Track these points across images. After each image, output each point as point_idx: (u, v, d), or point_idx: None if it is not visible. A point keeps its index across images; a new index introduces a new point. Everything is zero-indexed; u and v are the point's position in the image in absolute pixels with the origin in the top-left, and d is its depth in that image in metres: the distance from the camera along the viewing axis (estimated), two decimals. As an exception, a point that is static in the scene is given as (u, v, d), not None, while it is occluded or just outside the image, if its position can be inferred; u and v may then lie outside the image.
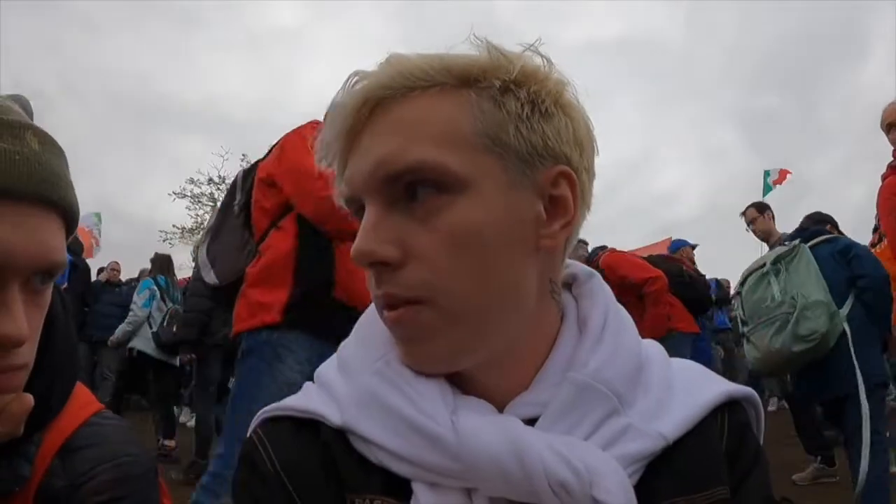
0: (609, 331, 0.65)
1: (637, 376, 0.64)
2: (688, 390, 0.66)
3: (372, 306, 0.69)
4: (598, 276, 0.72)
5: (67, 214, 0.76)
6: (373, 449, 0.60)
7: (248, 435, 0.68)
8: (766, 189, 13.27)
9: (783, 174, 13.37)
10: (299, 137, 2.32)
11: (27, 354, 0.73)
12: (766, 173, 13.46)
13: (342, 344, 0.72)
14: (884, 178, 3.63)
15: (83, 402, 0.89)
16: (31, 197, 0.70)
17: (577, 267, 0.72)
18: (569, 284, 0.71)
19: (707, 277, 8.46)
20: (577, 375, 0.60)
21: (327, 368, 0.70)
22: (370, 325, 0.69)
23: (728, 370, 8.01)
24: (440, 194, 0.57)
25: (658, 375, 0.66)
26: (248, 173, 2.54)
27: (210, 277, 2.48)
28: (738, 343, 9.54)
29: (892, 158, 3.60)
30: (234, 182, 2.63)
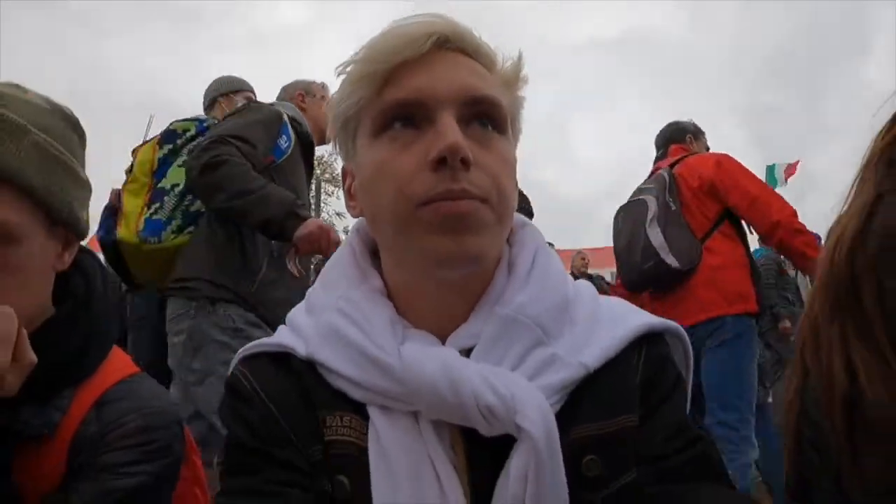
0: (536, 272, 0.73)
1: (563, 311, 0.71)
2: (613, 322, 0.72)
3: (338, 254, 0.81)
4: (531, 224, 0.81)
5: (7, 179, 0.84)
6: (333, 376, 0.69)
7: (230, 372, 0.77)
8: (771, 183, 13.10)
9: (792, 169, 13.09)
10: (731, 160, 2.88)
11: None
12: (771, 168, 13.23)
13: (309, 290, 0.81)
14: None
15: (121, 365, 0.98)
16: None
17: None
18: None
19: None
20: (502, 310, 0.68)
21: (297, 311, 0.79)
22: (332, 270, 0.79)
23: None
24: (495, 130, 0.69)
25: (585, 311, 0.73)
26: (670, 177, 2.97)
27: (670, 259, 2.79)
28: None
29: None
30: (666, 183, 2.94)
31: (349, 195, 0.78)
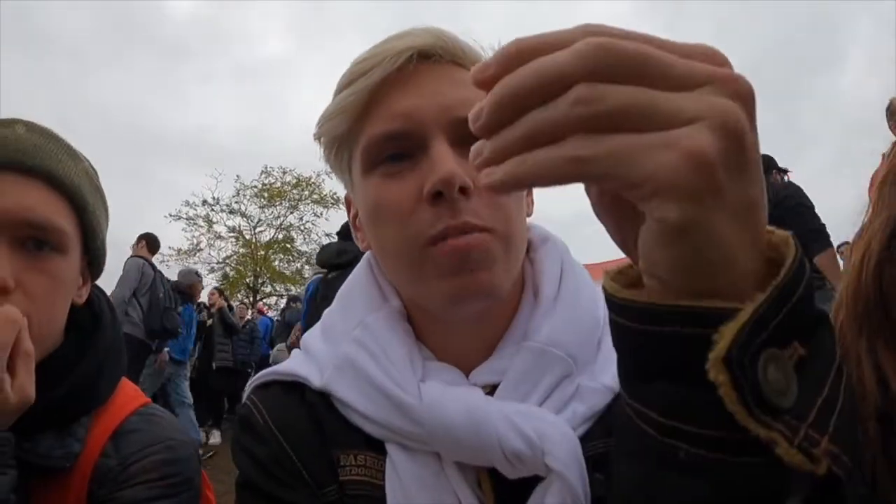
0: (563, 295, 0.69)
1: (593, 335, 0.67)
2: None
3: (357, 272, 0.77)
4: (553, 237, 0.76)
5: (55, 182, 0.84)
6: (349, 411, 0.66)
7: (242, 401, 0.74)
8: None
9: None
10: None
11: (18, 307, 0.76)
12: None
13: (326, 311, 0.78)
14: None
15: (132, 395, 0.96)
16: (8, 165, 0.80)
17: (532, 231, 0.75)
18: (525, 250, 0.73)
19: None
20: (532, 344, 0.65)
21: (312, 335, 0.76)
22: (350, 293, 0.76)
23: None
24: None
25: None
26: None
27: None
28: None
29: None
30: None
31: (355, 227, 0.75)
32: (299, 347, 0.78)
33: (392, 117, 0.62)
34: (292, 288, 21.50)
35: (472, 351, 0.67)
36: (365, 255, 0.79)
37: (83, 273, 0.93)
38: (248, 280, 21.93)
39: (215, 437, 7.84)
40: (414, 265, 0.62)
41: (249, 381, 0.76)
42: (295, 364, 0.73)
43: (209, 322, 8.46)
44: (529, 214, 0.72)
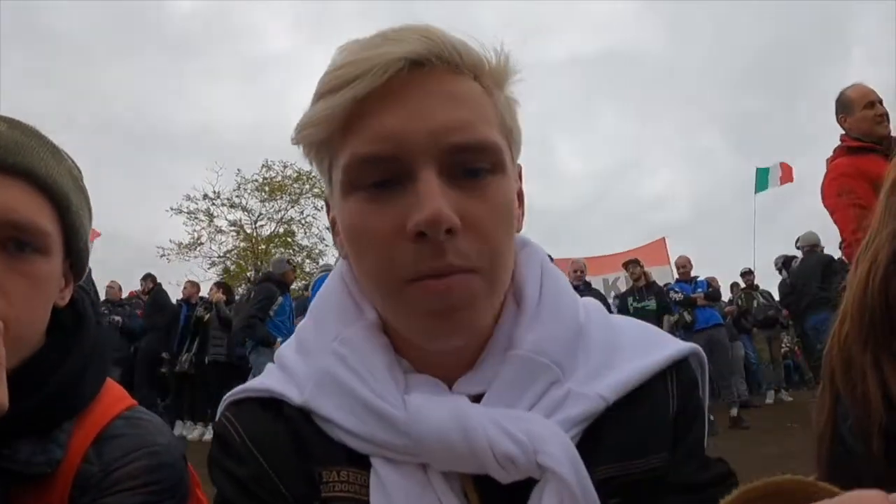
0: (545, 302, 0.68)
1: (576, 342, 0.67)
2: (632, 351, 0.67)
3: (329, 285, 0.75)
4: (531, 244, 0.74)
5: (38, 182, 0.81)
6: (333, 427, 0.64)
7: (217, 418, 0.73)
8: (761, 186, 13.09)
9: (787, 170, 13.01)
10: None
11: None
12: (762, 171, 13.22)
13: (299, 325, 0.76)
14: (830, 161, 3.53)
15: (116, 397, 0.93)
16: None
17: None
18: None
19: (697, 277, 8.56)
20: (517, 352, 0.64)
21: (287, 350, 0.74)
22: (324, 307, 0.73)
23: (724, 364, 8.07)
24: (491, 173, 0.60)
25: (598, 336, 0.68)
26: None
27: None
28: (732, 338, 9.63)
29: (840, 142, 3.49)
30: None
31: (335, 230, 0.72)
32: None
33: (377, 138, 0.58)
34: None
35: (454, 362, 0.66)
36: (336, 268, 0.77)
37: (66, 274, 0.91)
38: (249, 274, 21.94)
39: (212, 432, 7.80)
40: (393, 297, 0.60)
41: (224, 398, 0.74)
42: (271, 380, 0.71)
43: (206, 317, 8.46)
44: (519, 230, 0.69)
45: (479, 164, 0.60)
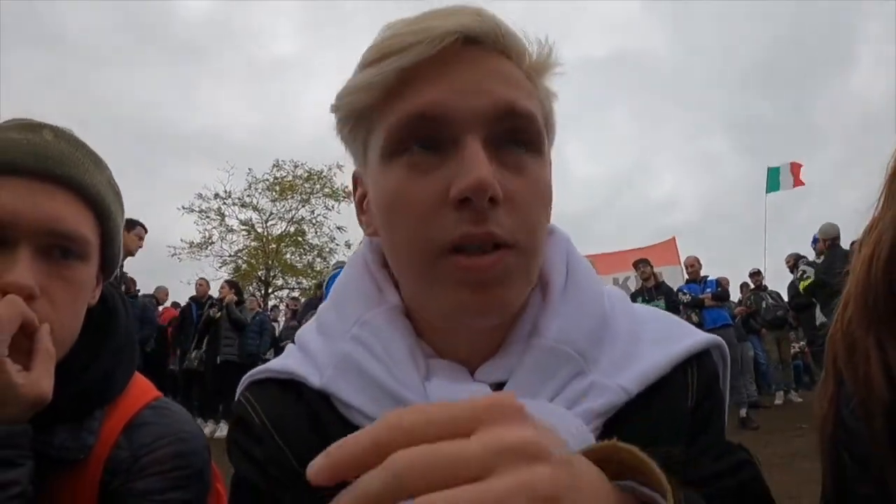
0: (570, 289, 0.67)
1: (601, 331, 0.66)
2: (656, 342, 0.67)
3: (351, 268, 0.74)
4: (558, 230, 0.74)
5: (82, 192, 0.86)
6: (352, 412, 0.64)
7: (236, 398, 0.73)
8: (773, 187, 12.91)
9: (797, 169, 12.72)
10: None
11: (41, 313, 0.80)
12: (773, 171, 13.00)
13: (321, 307, 0.75)
14: None
15: (144, 389, 0.99)
16: (36, 172, 0.81)
17: None
18: None
19: (707, 277, 8.52)
20: (541, 341, 0.63)
21: (308, 331, 0.74)
22: (345, 289, 0.73)
23: (732, 365, 8.03)
24: (529, 151, 0.61)
25: (622, 327, 0.68)
26: None
27: None
28: (741, 338, 9.58)
29: None
30: None
31: (361, 208, 0.71)
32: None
33: (426, 102, 0.58)
34: (303, 281, 21.57)
35: (477, 348, 0.66)
36: (358, 251, 0.77)
37: (97, 275, 0.95)
38: (259, 273, 21.99)
39: (223, 430, 7.89)
40: (426, 268, 0.59)
41: (244, 378, 0.74)
42: (291, 362, 0.71)
43: (218, 315, 8.51)
44: (548, 219, 0.68)
45: (523, 134, 0.60)
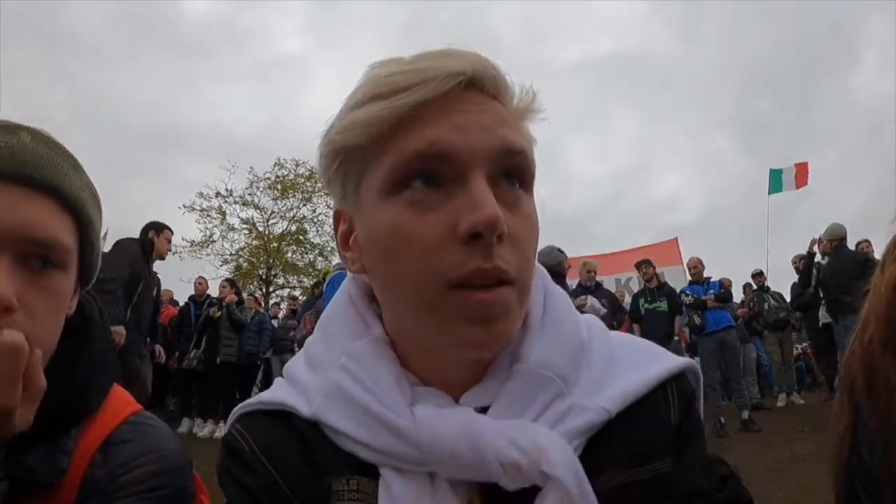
0: (548, 319, 0.70)
1: (580, 356, 0.69)
2: (631, 365, 0.70)
3: (336, 302, 0.76)
4: (535, 264, 0.75)
5: (62, 198, 0.82)
6: (342, 438, 0.66)
7: (226, 430, 0.74)
8: (775, 188, 12.94)
9: (802, 171, 12.74)
10: None
11: (19, 326, 0.75)
12: (776, 172, 13.04)
13: (308, 340, 0.77)
14: None
15: (123, 402, 0.94)
16: (14, 177, 0.77)
17: None
18: None
19: (710, 278, 8.49)
20: (522, 366, 0.65)
21: (296, 364, 0.76)
22: (331, 323, 0.75)
23: (735, 366, 8.00)
24: (523, 188, 0.64)
25: (600, 351, 0.71)
26: None
27: None
28: (744, 340, 9.55)
29: None
30: None
31: (345, 245, 0.72)
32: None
33: (430, 140, 0.59)
34: (304, 280, 21.60)
35: (459, 376, 0.67)
36: (343, 285, 0.78)
37: (75, 284, 0.91)
38: (260, 272, 22.02)
39: (222, 431, 7.87)
40: (432, 304, 0.60)
41: (233, 411, 0.76)
42: (281, 394, 0.73)
43: (217, 315, 8.51)
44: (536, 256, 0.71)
45: (519, 171, 0.63)
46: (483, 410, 0.65)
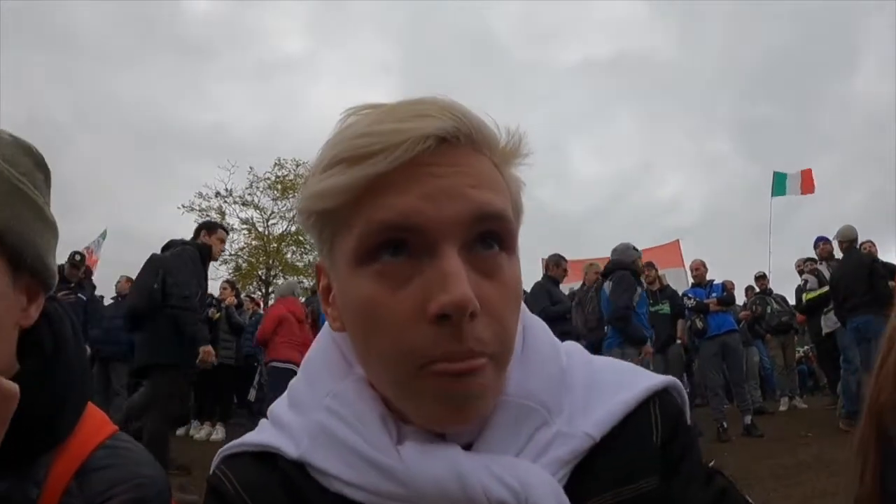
0: (527, 350, 0.69)
1: (561, 383, 0.68)
2: (612, 388, 0.69)
3: (319, 343, 0.74)
4: None
5: None
6: (329, 479, 0.64)
7: (211, 472, 0.72)
8: (779, 191, 12.95)
9: (808, 179, 12.78)
10: None
11: None
12: (780, 176, 13.05)
13: (291, 383, 0.75)
14: None
15: (98, 424, 0.89)
16: None
17: None
18: None
19: (713, 280, 8.43)
20: (505, 398, 0.64)
21: (280, 406, 0.74)
22: (315, 364, 0.74)
23: (738, 370, 7.95)
24: (502, 251, 0.60)
25: (580, 376, 0.70)
26: None
27: None
28: (746, 343, 9.50)
29: None
30: None
31: (326, 301, 0.69)
32: None
33: (399, 210, 0.56)
34: (304, 280, 21.58)
35: None
36: (325, 326, 0.75)
37: (28, 289, 0.83)
38: (260, 272, 22.01)
39: (218, 433, 7.90)
40: (402, 381, 0.59)
41: (218, 453, 0.73)
42: (266, 435, 0.71)
43: (217, 316, 8.44)
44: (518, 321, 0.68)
45: (497, 234, 0.60)
46: (468, 446, 0.64)
